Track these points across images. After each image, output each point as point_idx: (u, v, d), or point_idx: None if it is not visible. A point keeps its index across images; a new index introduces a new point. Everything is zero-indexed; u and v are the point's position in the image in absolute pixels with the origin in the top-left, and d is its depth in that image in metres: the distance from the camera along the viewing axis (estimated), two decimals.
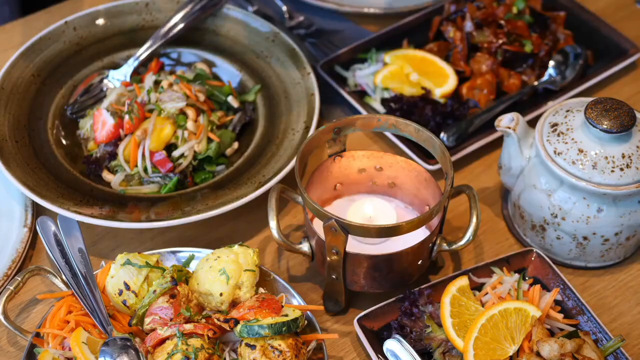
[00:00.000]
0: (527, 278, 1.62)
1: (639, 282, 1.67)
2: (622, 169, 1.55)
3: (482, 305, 1.54)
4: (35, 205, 1.75)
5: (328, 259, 1.51)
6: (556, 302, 1.58)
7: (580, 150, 1.57)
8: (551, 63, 1.99)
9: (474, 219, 1.56)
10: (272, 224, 1.55)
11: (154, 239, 1.74)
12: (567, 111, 1.63)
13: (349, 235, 1.48)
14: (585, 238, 1.62)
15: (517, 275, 1.58)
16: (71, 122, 1.89)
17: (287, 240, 1.55)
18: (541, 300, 1.55)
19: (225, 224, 1.77)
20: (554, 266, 1.61)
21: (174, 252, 1.64)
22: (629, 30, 2.15)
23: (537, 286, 1.55)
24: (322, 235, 1.50)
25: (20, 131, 1.80)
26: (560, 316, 1.54)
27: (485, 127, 1.88)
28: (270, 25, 2.00)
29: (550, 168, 1.59)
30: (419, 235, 1.54)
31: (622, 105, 1.57)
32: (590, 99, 1.62)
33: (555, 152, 1.59)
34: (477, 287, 1.60)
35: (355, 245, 1.60)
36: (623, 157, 1.56)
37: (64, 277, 1.56)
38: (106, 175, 1.79)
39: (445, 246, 1.57)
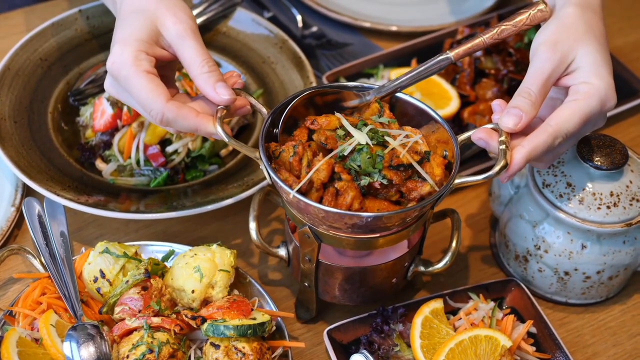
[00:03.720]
0: (504, 307, 1.60)
1: (619, 324, 1.65)
2: (608, 207, 1.53)
3: (455, 329, 1.53)
4: (25, 187, 1.76)
5: (301, 266, 1.51)
6: (531, 335, 1.56)
7: (569, 184, 1.56)
8: None
9: (454, 244, 1.54)
10: (252, 224, 1.55)
11: (138, 231, 1.75)
12: None
13: (329, 246, 1.48)
14: (566, 273, 1.60)
15: (492, 303, 1.56)
16: (72, 108, 1.90)
17: (264, 242, 1.55)
18: (514, 330, 1.53)
19: (211, 223, 1.78)
20: (532, 298, 1.59)
21: (154, 246, 1.64)
22: None
23: (511, 316, 1.54)
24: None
25: (21, 112, 1.81)
26: (531, 349, 1.52)
27: (482, 153, 1.86)
28: (280, 31, 2.00)
29: (537, 199, 1.57)
30: (397, 252, 1.53)
31: (616, 143, 1.55)
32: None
33: (544, 183, 1.58)
34: (453, 312, 1.59)
35: (334, 256, 1.59)
36: (611, 195, 1.54)
37: (42, 259, 1.58)
38: (99, 163, 1.80)
39: (421, 267, 1.56)
